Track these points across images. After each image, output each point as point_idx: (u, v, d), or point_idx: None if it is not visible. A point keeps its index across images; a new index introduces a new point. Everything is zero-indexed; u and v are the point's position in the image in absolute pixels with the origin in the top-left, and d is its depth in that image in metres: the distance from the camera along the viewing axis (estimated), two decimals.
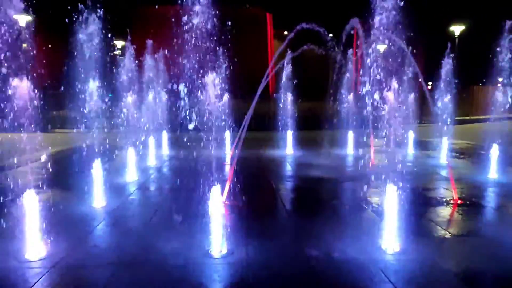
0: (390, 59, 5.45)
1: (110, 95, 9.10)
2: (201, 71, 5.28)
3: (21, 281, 4.65)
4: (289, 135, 14.95)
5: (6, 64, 4.88)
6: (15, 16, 5.00)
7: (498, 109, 10.19)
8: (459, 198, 7.99)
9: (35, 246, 5.16)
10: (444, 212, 7.52)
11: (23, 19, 5.20)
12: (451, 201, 7.92)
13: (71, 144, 16.44)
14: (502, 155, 10.02)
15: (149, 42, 13.78)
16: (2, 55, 4.88)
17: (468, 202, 7.94)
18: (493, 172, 10.02)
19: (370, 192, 8.91)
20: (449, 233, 6.28)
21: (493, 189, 9.16)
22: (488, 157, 10.31)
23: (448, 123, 13.52)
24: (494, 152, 10.01)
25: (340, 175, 10.94)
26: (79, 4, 7.35)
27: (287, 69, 14.98)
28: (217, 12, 5.42)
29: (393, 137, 5.40)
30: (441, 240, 6.04)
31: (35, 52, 5.21)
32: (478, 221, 7.11)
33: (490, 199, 8.67)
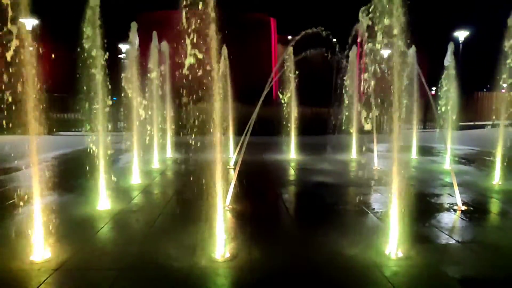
0: (393, 64, 5.45)
1: (115, 99, 9.12)
2: (204, 75, 5.29)
3: (26, 283, 4.66)
4: (292, 139, 14.99)
5: (11, 68, 4.92)
6: (22, 20, 5.04)
7: (501, 115, 10.13)
8: (463, 204, 7.96)
9: (40, 247, 5.18)
10: (448, 218, 7.50)
11: (30, 23, 5.24)
12: (455, 207, 7.89)
13: (75, 146, 16.55)
14: (506, 161, 9.98)
15: (152, 46, 13.83)
16: (8, 59, 4.91)
17: (472, 209, 7.91)
18: (497, 178, 9.98)
19: (373, 197, 8.91)
20: (453, 239, 6.26)
21: (497, 196, 9.13)
22: (492, 163, 10.28)
23: (452, 128, 13.50)
24: (498, 158, 9.97)
25: (343, 180, 10.93)
26: (84, 7, 7.38)
27: (291, 74, 15.01)
28: (221, 17, 5.43)
29: (397, 142, 5.39)
30: (445, 246, 6.01)
31: (40, 55, 5.24)
32: (482, 228, 7.09)
33: (494, 205, 8.63)
